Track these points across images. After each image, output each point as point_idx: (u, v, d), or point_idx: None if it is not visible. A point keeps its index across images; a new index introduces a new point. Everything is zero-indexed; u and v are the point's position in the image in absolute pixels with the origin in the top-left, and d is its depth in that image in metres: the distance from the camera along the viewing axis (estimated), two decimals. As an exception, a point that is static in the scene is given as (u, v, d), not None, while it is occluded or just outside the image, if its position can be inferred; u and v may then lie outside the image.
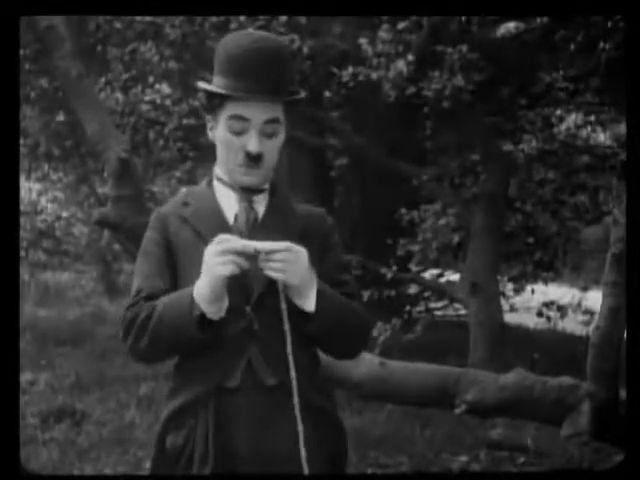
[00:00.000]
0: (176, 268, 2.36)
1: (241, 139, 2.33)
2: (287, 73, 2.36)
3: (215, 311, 2.24)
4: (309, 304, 2.27)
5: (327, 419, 2.40)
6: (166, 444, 2.36)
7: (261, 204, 2.40)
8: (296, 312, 2.29)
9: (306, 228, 2.40)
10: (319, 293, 2.27)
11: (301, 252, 2.24)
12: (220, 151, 2.39)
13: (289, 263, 2.22)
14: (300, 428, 2.28)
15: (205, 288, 2.22)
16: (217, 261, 2.19)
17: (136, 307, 2.32)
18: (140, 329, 2.29)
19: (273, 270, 2.22)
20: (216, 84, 2.35)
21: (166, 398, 2.41)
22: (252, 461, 2.29)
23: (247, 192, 2.38)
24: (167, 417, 2.37)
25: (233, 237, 2.22)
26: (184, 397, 2.34)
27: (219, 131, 2.37)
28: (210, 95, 2.36)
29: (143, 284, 2.35)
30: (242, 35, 2.39)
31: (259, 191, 2.40)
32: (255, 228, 2.35)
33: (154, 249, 2.38)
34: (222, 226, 2.35)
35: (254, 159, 2.33)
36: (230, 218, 2.38)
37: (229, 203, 2.39)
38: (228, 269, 2.19)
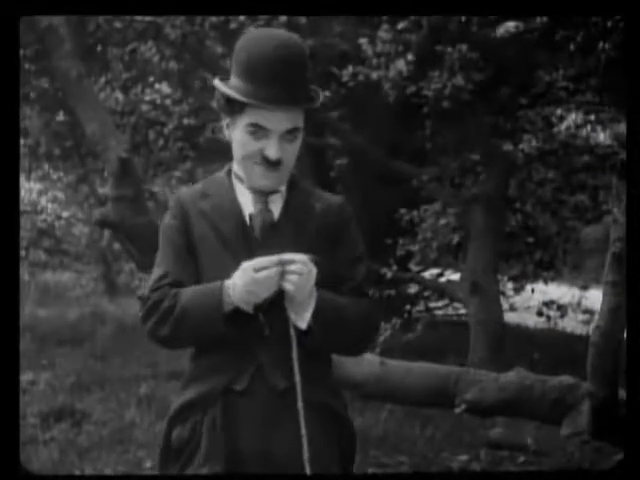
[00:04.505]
0: (195, 259, 2.37)
1: (260, 143, 2.32)
2: (308, 79, 2.34)
3: (249, 307, 2.28)
4: (302, 322, 2.30)
5: (336, 420, 2.42)
6: (172, 436, 2.38)
7: (277, 203, 2.40)
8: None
9: (323, 224, 2.39)
10: (317, 310, 2.29)
11: (314, 269, 2.26)
12: (237, 152, 2.37)
13: (301, 277, 2.24)
14: (303, 432, 2.29)
15: (245, 298, 2.26)
16: (259, 287, 2.24)
17: (160, 292, 2.33)
18: (162, 317, 2.31)
19: (287, 282, 2.24)
20: (237, 88, 2.31)
21: (180, 388, 2.43)
22: (258, 462, 2.30)
23: (263, 193, 2.38)
24: (176, 410, 2.39)
25: (267, 259, 2.24)
26: (193, 392, 2.36)
27: (237, 133, 2.35)
28: (230, 98, 2.32)
29: (170, 269, 2.36)
30: (265, 38, 2.32)
31: (275, 191, 2.40)
32: (270, 230, 2.35)
33: (178, 238, 2.38)
34: (240, 225, 2.36)
35: (273, 164, 2.32)
36: (247, 216, 2.38)
37: (247, 200, 2.39)
38: (270, 292, 2.25)
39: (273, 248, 2.27)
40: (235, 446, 2.31)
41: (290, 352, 2.30)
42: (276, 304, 2.30)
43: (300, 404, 2.30)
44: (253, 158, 2.33)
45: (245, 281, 2.24)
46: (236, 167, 2.41)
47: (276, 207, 2.39)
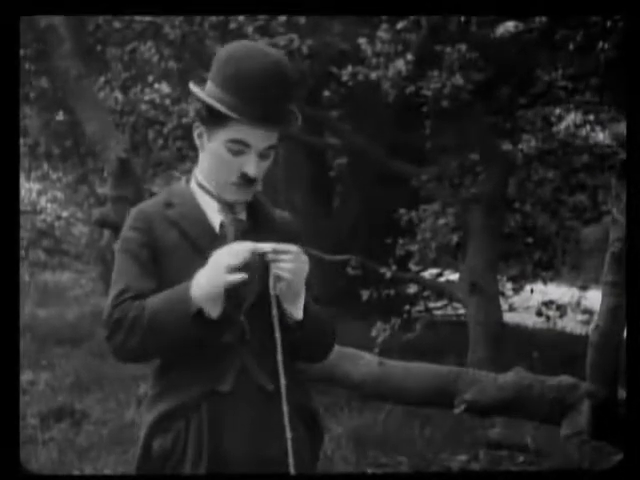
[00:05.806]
0: (162, 270, 2.34)
1: (239, 159, 2.31)
2: (293, 100, 2.35)
3: (213, 309, 2.24)
4: (298, 312, 2.30)
5: (315, 421, 2.44)
6: (153, 447, 2.36)
7: (242, 212, 2.41)
8: (285, 321, 2.31)
9: (283, 233, 2.40)
10: (306, 303, 2.31)
11: (307, 260, 2.28)
12: (210, 164, 2.36)
13: (298, 266, 2.25)
14: (289, 435, 2.29)
15: (207, 289, 2.23)
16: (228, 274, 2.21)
17: (123, 307, 2.28)
18: (130, 327, 2.25)
19: (283, 270, 2.24)
20: (224, 101, 2.28)
21: (149, 403, 2.39)
22: (246, 464, 2.30)
23: (231, 203, 2.39)
24: (155, 420, 2.35)
25: (243, 244, 2.23)
26: (173, 401, 2.33)
27: (214, 146, 2.33)
28: (213, 110, 2.30)
29: (131, 284, 2.31)
30: (257, 55, 2.30)
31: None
32: (242, 237, 2.34)
33: (141, 251, 2.34)
34: (209, 231, 2.36)
35: (250, 181, 2.33)
36: (215, 224, 2.37)
37: (212, 210, 2.38)
38: (237, 278, 2.21)
39: None
40: (224, 450, 2.29)
41: (274, 353, 2.29)
42: (258, 307, 2.29)
43: (285, 407, 2.29)
44: (230, 176, 2.33)
45: (216, 271, 2.21)
46: (202, 177, 2.40)
47: (242, 215, 2.40)
